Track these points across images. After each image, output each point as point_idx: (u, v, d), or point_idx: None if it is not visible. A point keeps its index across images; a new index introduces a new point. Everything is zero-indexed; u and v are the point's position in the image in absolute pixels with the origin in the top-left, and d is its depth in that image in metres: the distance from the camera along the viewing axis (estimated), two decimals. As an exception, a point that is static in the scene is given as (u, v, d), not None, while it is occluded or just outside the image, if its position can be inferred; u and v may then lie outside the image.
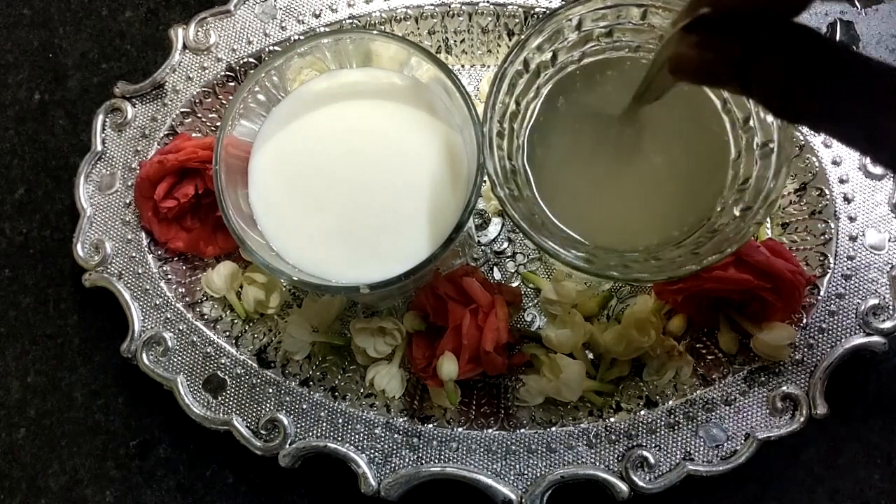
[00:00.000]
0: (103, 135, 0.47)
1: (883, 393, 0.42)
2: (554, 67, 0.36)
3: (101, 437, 0.45)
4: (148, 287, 0.44)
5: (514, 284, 0.43)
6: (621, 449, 0.40)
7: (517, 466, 0.40)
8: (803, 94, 0.22)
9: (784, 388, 0.40)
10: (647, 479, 0.39)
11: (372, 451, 0.41)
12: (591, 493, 0.40)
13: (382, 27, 0.46)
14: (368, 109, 0.37)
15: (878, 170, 0.42)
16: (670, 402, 0.40)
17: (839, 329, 0.40)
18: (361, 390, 0.42)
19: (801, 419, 0.39)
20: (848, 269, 0.41)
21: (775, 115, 0.22)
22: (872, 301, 0.40)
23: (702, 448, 0.39)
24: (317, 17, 0.47)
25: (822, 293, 0.41)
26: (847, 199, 0.42)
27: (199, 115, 0.47)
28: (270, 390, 0.42)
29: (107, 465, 0.45)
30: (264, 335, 0.43)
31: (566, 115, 0.36)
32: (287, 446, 0.41)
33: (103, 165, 0.47)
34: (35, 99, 0.52)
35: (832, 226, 0.41)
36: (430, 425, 0.41)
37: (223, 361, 0.43)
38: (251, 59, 0.47)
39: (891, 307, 0.40)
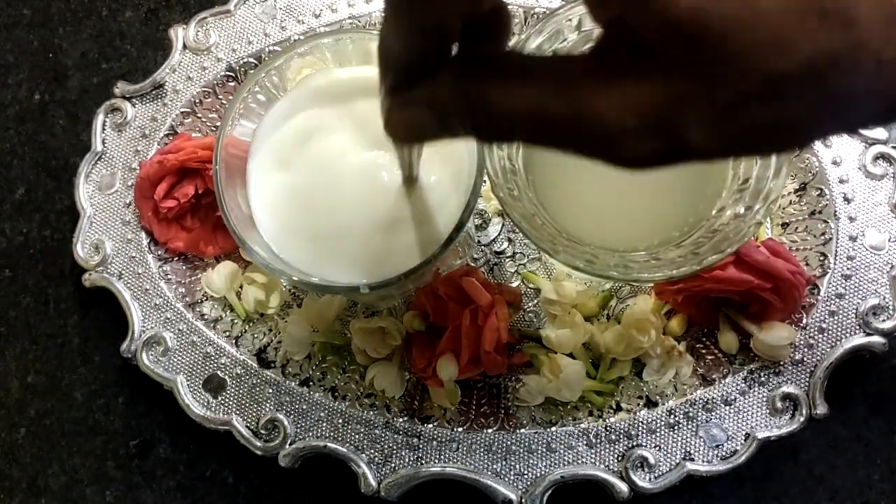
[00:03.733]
0: (103, 135, 0.47)
1: (883, 393, 0.42)
2: (554, 67, 0.36)
3: (101, 437, 0.45)
4: (148, 287, 0.44)
5: (514, 284, 0.43)
6: (621, 449, 0.40)
7: (517, 466, 0.40)
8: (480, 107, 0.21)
9: (784, 387, 0.40)
10: (647, 479, 0.39)
11: (372, 451, 0.41)
12: (591, 493, 0.40)
13: (382, 27, 0.46)
14: (367, 108, 0.37)
15: (878, 170, 0.42)
16: (670, 402, 0.40)
17: (839, 329, 0.40)
18: (361, 390, 0.42)
19: (801, 419, 0.39)
20: (848, 269, 0.41)
21: (478, 139, 0.22)
22: (872, 301, 0.40)
23: (702, 448, 0.39)
24: (317, 17, 0.47)
25: (822, 293, 0.41)
26: (847, 199, 0.42)
27: (199, 115, 0.47)
28: (270, 390, 0.42)
29: (107, 465, 0.45)
30: (264, 335, 0.43)
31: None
32: (287, 446, 0.41)
33: (103, 165, 0.47)
34: (35, 99, 0.52)
35: (832, 226, 0.41)
36: (430, 425, 0.41)
37: (223, 361, 0.43)
38: (251, 59, 0.47)
39: (891, 307, 0.40)
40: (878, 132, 0.42)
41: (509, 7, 0.23)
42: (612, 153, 0.20)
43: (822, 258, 0.41)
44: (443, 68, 0.22)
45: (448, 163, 0.36)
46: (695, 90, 0.18)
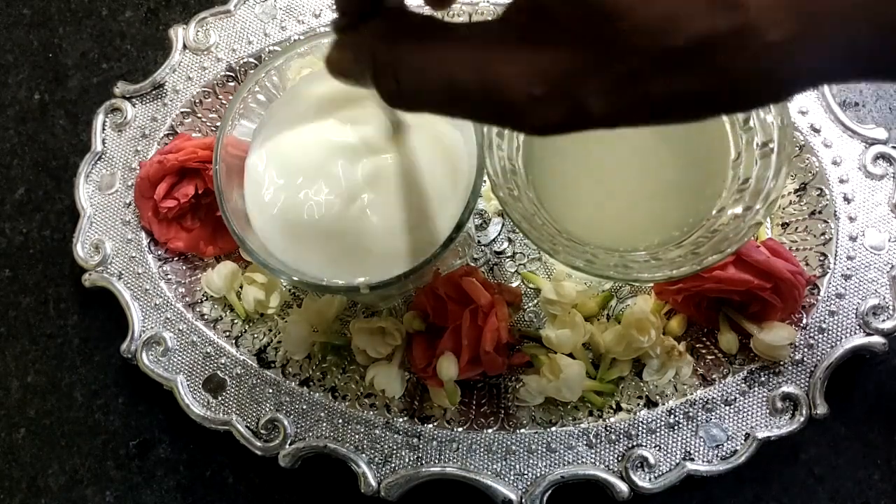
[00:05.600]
0: (103, 135, 0.47)
1: (883, 393, 0.42)
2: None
3: (101, 437, 0.45)
4: (148, 287, 0.44)
5: (514, 284, 0.43)
6: (621, 449, 0.40)
7: (517, 466, 0.40)
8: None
9: (784, 388, 0.40)
10: (647, 479, 0.39)
11: (372, 451, 0.41)
12: (591, 493, 0.40)
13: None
14: (367, 108, 0.37)
15: (878, 170, 0.42)
16: (670, 402, 0.40)
17: (839, 329, 0.40)
18: (361, 390, 0.42)
19: (801, 419, 0.39)
20: (848, 269, 0.41)
21: (388, 103, 0.22)
22: (872, 301, 0.40)
23: (702, 448, 0.39)
24: (317, 17, 0.47)
25: (822, 293, 0.41)
26: (847, 199, 0.42)
27: (199, 115, 0.47)
28: (270, 390, 0.42)
29: (107, 465, 0.45)
30: (264, 335, 0.43)
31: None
32: (287, 446, 0.41)
33: (103, 165, 0.47)
34: (35, 99, 0.52)
35: (832, 226, 0.41)
36: (430, 425, 0.41)
37: (223, 361, 0.43)
38: (251, 59, 0.47)
39: (891, 307, 0.40)
40: (878, 132, 0.42)
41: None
42: (519, 121, 0.20)
43: (822, 258, 0.41)
44: (373, 20, 0.22)
45: (448, 163, 0.36)
46: (595, 61, 0.18)
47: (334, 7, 0.24)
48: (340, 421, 0.41)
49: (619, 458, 0.40)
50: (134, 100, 0.47)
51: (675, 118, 0.20)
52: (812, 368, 0.40)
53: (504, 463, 0.40)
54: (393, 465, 0.40)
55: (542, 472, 0.40)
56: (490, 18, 0.21)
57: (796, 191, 0.43)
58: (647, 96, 0.19)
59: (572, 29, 0.18)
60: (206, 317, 0.44)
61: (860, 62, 0.18)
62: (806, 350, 0.40)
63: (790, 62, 0.17)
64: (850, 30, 0.17)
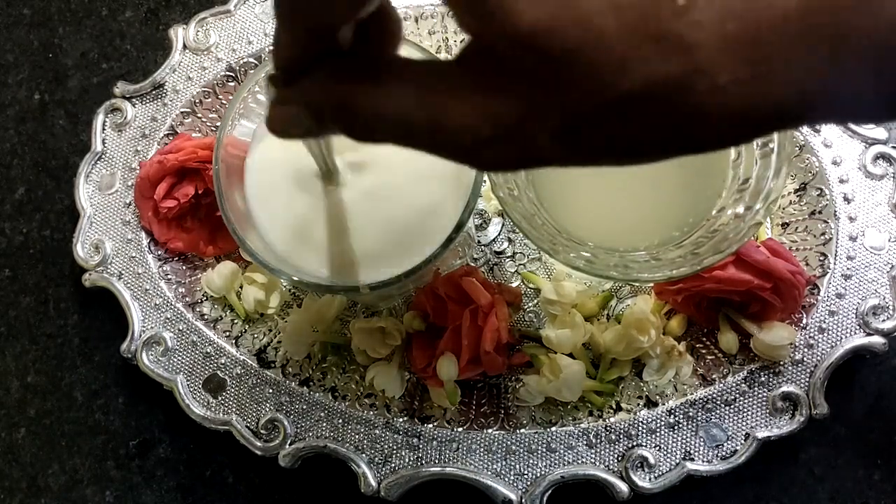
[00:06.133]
0: (103, 135, 0.47)
1: (883, 393, 0.42)
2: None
3: (101, 437, 0.45)
4: (148, 287, 0.44)
5: (514, 284, 0.43)
6: (621, 449, 0.40)
7: (517, 466, 0.40)
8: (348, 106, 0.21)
9: (784, 388, 0.40)
10: (647, 479, 0.39)
11: (372, 451, 0.41)
12: (591, 493, 0.40)
13: (382, 27, 0.46)
14: None
15: (878, 170, 0.42)
16: (670, 402, 0.40)
17: (839, 329, 0.40)
18: (361, 390, 0.42)
19: (801, 419, 0.39)
20: (848, 269, 0.41)
21: (350, 137, 0.22)
22: (872, 301, 0.40)
23: (702, 448, 0.39)
24: (317, 17, 0.47)
25: (822, 293, 0.41)
26: (847, 199, 0.42)
27: (199, 115, 0.47)
28: (270, 390, 0.42)
29: (107, 465, 0.45)
30: (264, 335, 0.43)
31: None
32: (287, 446, 0.41)
33: (103, 165, 0.47)
34: (35, 99, 0.52)
35: (832, 226, 0.41)
36: (430, 425, 0.41)
37: (223, 361, 0.43)
38: (251, 59, 0.47)
39: (891, 307, 0.40)
40: (878, 132, 0.42)
41: (399, 11, 0.24)
42: (470, 159, 0.21)
43: (822, 258, 0.41)
44: (320, 66, 0.22)
45: (448, 162, 0.36)
46: (544, 104, 0.18)
47: (276, 67, 0.23)
48: (340, 421, 0.41)
49: (619, 458, 0.40)
50: (134, 100, 0.47)
51: (633, 160, 0.19)
52: (812, 368, 0.40)
53: (504, 463, 0.40)
54: (393, 465, 0.40)
55: (542, 472, 0.40)
56: (447, 58, 0.21)
57: (796, 191, 0.43)
58: (600, 140, 0.18)
59: (522, 72, 0.18)
60: (206, 317, 0.44)
61: (821, 98, 0.17)
62: (806, 350, 0.40)
63: (743, 102, 0.17)
64: (799, 71, 0.17)
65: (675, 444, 0.40)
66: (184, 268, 0.45)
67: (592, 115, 0.18)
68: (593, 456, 0.40)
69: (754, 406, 0.40)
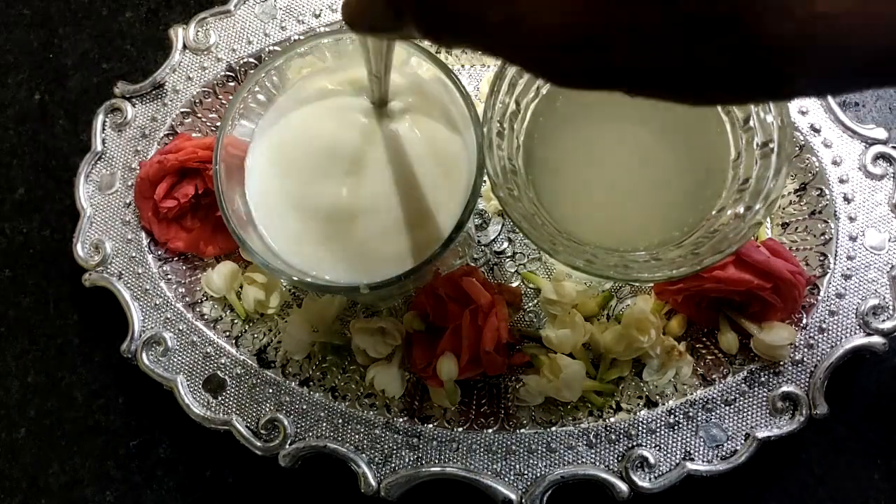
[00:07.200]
0: (103, 135, 0.47)
1: (883, 393, 0.42)
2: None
3: (101, 437, 0.45)
4: (148, 287, 0.44)
5: (514, 284, 0.43)
6: (621, 449, 0.40)
7: (517, 466, 0.40)
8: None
9: (784, 388, 0.40)
10: (647, 479, 0.39)
11: (372, 451, 0.41)
12: (591, 493, 0.40)
13: (382, 27, 0.46)
14: (367, 108, 0.37)
15: (878, 170, 0.42)
16: (670, 402, 0.40)
17: (839, 329, 0.40)
18: (361, 390, 0.42)
19: (801, 419, 0.39)
20: (848, 269, 0.41)
21: (425, 37, 0.21)
22: (872, 301, 0.40)
23: (702, 448, 0.39)
24: (317, 17, 0.47)
25: (822, 293, 0.41)
26: (847, 199, 0.42)
27: (199, 115, 0.47)
28: (270, 390, 0.42)
29: (107, 465, 0.45)
30: (264, 335, 0.43)
31: (566, 115, 0.36)
32: (287, 446, 0.41)
33: (103, 165, 0.47)
34: (35, 99, 0.52)
35: (832, 226, 0.41)
36: (430, 425, 0.41)
37: (223, 361, 0.43)
38: (251, 59, 0.47)
39: (891, 307, 0.40)
40: (878, 132, 0.42)
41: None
42: (546, 69, 0.20)
43: (822, 258, 0.41)
44: None
45: (448, 163, 0.36)
46: (629, 11, 0.17)
47: None
48: (340, 421, 0.41)
49: (619, 458, 0.40)
50: (134, 100, 0.47)
51: (707, 95, 0.18)
52: (812, 368, 0.40)
53: (504, 463, 0.40)
54: (393, 465, 0.40)
55: (542, 472, 0.40)
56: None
57: (796, 191, 0.43)
58: (679, 60, 0.18)
59: None
60: (206, 317, 0.44)
61: None
62: (806, 350, 0.40)
63: (840, 37, 0.16)
64: None
65: (675, 444, 0.40)
66: (184, 268, 0.45)
67: (671, 31, 0.17)
68: (593, 456, 0.40)
69: (754, 406, 0.40)
